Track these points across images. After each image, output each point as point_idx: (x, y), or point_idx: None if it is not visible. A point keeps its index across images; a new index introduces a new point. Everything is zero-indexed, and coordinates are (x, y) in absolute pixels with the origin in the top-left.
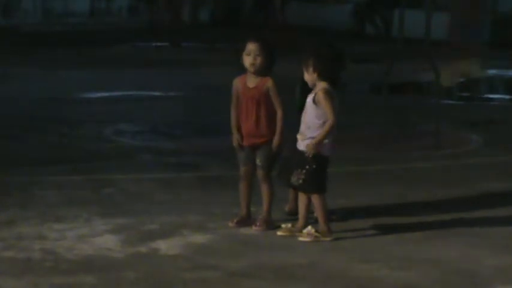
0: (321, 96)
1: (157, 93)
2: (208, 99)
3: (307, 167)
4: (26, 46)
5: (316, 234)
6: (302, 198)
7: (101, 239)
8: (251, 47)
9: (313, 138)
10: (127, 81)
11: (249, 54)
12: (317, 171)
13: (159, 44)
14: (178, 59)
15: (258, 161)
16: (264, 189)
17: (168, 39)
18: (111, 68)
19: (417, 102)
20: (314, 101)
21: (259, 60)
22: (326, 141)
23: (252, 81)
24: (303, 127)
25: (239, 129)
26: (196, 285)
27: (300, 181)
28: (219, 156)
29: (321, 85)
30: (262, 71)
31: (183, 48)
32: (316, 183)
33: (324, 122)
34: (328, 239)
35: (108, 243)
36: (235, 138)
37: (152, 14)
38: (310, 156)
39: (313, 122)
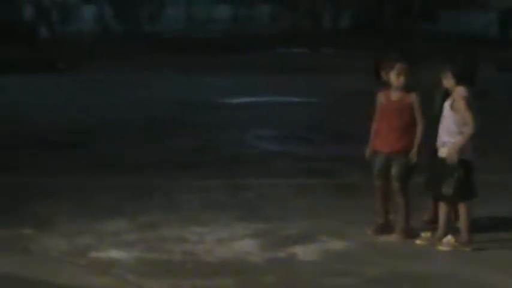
0: (460, 104)
1: (296, 99)
2: (346, 106)
3: (455, 174)
4: (169, 52)
5: (456, 243)
6: (443, 207)
7: (239, 242)
8: (401, 67)
9: (453, 143)
10: (267, 87)
11: (399, 74)
12: (465, 177)
13: (299, 50)
14: (318, 65)
15: (394, 172)
16: (400, 201)
17: (308, 45)
18: (251, 74)
19: None
20: (452, 107)
21: (407, 79)
22: (467, 146)
23: (395, 95)
24: (441, 134)
25: (374, 141)
26: None
27: (451, 190)
28: (356, 163)
29: (459, 91)
30: (406, 88)
31: (323, 54)
32: (466, 190)
33: (462, 129)
34: (468, 249)
35: (247, 247)
36: (370, 149)
37: (293, 20)
38: (453, 162)
39: (452, 128)
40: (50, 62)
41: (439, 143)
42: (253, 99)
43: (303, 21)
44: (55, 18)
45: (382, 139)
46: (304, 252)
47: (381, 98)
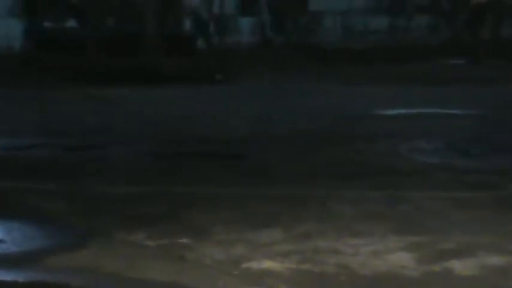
0: None
1: (454, 111)
2: (506, 118)
3: None
4: (326, 63)
5: None
6: None
7: (394, 256)
8: None
9: None
10: (423, 98)
11: None
12: None
13: (457, 61)
14: (477, 76)
15: None
16: None
17: (467, 56)
18: (407, 84)
19: None
20: None
21: None
22: None
23: None
24: None
25: None
26: None
27: None
28: None
29: None
30: None
31: (483, 65)
32: None
33: None
34: None
35: (402, 260)
36: None
37: (452, 31)
38: None
39: None
40: (208, 73)
41: None
42: (409, 110)
43: (463, 32)
44: (212, 30)
45: None
46: (462, 266)
47: None
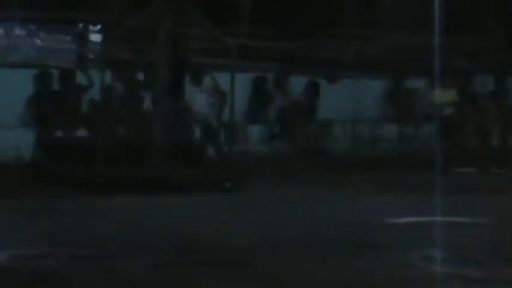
0: None
1: (464, 220)
2: None
3: None
4: (336, 170)
5: None
6: None
7: None
8: None
9: None
10: (434, 206)
11: None
12: None
13: (466, 169)
14: (489, 184)
15: None
16: None
17: (476, 165)
18: (416, 192)
19: None
20: None
21: None
22: None
23: None
24: None
25: None
26: None
27: None
28: None
29: None
30: None
31: (493, 174)
32: None
33: None
34: None
35: None
36: None
37: (460, 140)
38: None
39: None
40: (217, 182)
41: None
42: (420, 219)
43: (471, 139)
44: (222, 139)
45: None
46: None
47: None
